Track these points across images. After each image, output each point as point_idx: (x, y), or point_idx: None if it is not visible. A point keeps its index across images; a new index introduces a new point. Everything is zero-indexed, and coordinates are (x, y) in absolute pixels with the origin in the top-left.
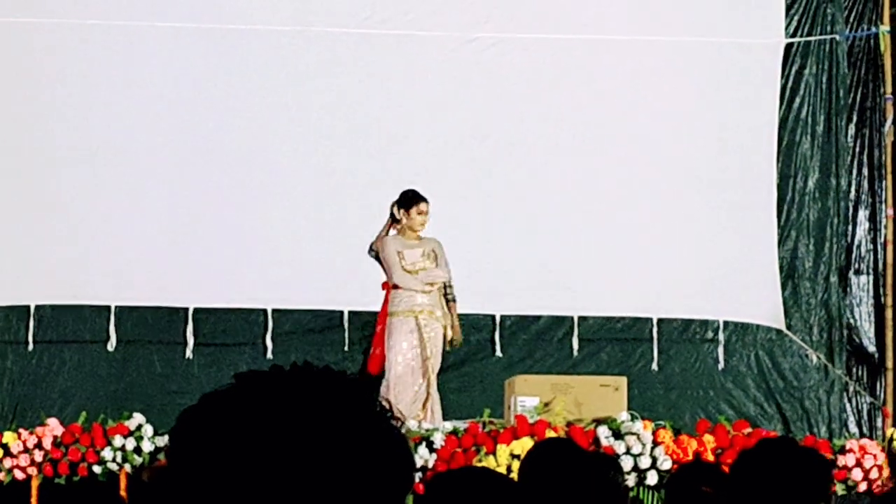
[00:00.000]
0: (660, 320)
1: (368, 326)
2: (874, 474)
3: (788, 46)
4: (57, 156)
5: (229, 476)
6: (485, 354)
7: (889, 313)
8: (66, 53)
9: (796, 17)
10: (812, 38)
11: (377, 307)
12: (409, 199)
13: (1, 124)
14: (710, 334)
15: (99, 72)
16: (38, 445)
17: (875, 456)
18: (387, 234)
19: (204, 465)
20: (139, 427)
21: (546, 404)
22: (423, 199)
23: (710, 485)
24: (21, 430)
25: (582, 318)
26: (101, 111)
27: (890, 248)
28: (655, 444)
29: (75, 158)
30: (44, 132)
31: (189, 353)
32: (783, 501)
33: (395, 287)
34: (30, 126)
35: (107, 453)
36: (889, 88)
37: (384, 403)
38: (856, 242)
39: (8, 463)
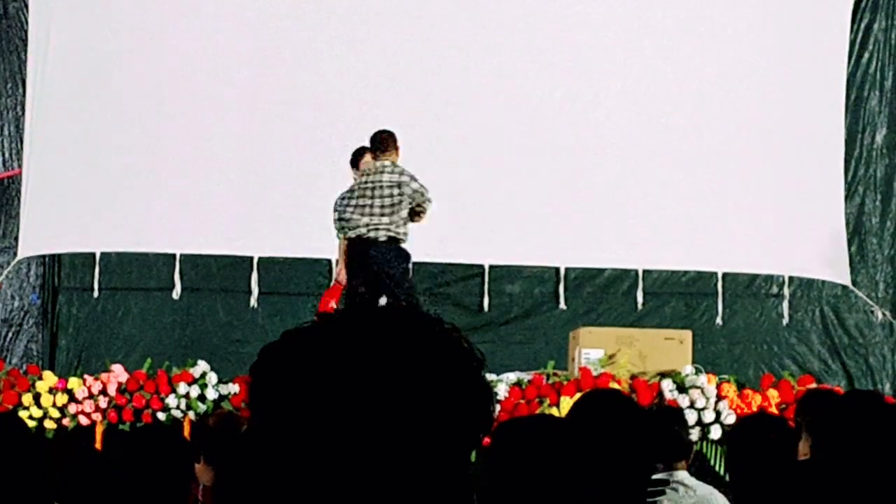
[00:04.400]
0: (725, 275)
1: (432, 277)
2: None
3: (857, 1)
4: (123, 104)
5: (306, 412)
6: (549, 307)
7: None
8: (135, 4)
9: None
10: None
11: (442, 258)
12: None
13: (70, 73)
14: (774, 289)
15: (166, 22)
16: (103, 392)
17: None
18: None
19: (282, 401)
20: (203, 375)
21: (610, 357)
22: None
23: (774, 435)
24: (86, 377)
25: (647, 272)
26: (168, 60)
27: None
28: (719, 398)
29: (142, 106)
30: (111, 81)
31: (254, 302)
32: (867, 454)
33: None
34: (98, 75)
35: (171, 400)
36: None
37: (466, 344)
38: None
39: (73, 408)
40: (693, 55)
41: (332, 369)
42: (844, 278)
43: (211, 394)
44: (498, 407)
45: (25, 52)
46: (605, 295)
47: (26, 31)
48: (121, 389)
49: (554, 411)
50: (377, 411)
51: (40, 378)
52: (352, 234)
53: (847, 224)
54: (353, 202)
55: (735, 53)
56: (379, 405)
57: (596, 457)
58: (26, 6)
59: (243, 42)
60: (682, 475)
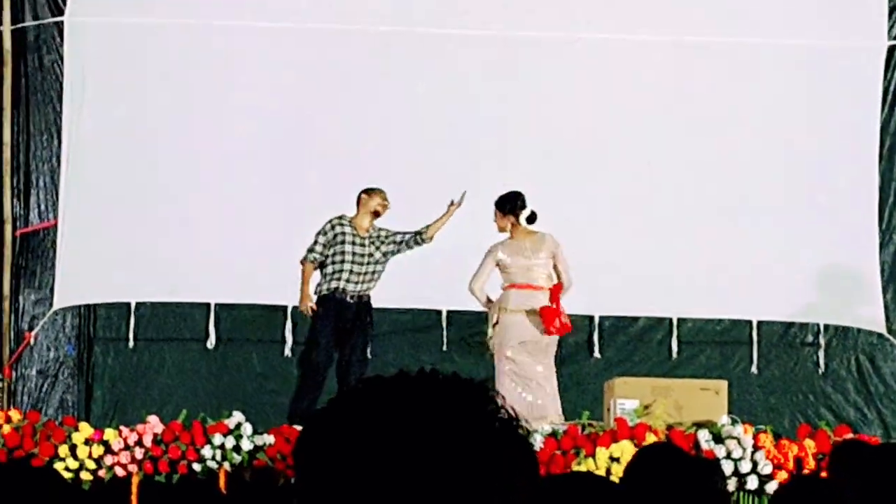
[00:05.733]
0: (760, 323)
1: (468, 326)
2: None
3: (891, 49)
4: (157, 154)
5: (353, 481)
6: (583, 356)
7: None
8: (169, 53)
9: None
10: None
11: (476, 307)
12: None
13: (104, 123)
14: (810, 338)
15: (200, 71)
16: (139, 443)
17: None
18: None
19: (329, 470)
20: (238, 426)
21: (646, 407)
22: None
23: (821, 501)
24: (122, 428)
25: (681, 320)
26: (203, 110)
27: None
28: (756, 448)
29: (175, 156)
30: (146, 131)
31: (288, 352)
32: None
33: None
34: (132, 125)
35: (206, 451)
36: None
37: (510, 410)
38: None
39: (109, 460)
40: (724, 103)
41: (375, 438)
42: (880, 326)
43: (246, 445)
44: None
45: (61, 104)
46: (640, 344)
47: (61, 84)
48: (156, 440)
49: (589, 462)
50: (420, 478)
51: (76, 429)
52: None
53: (882, 271)
54: None
55: (768, 102)
56: (422, 472)
57: None
58: (61, 58)
59: (276, 93)
60: None
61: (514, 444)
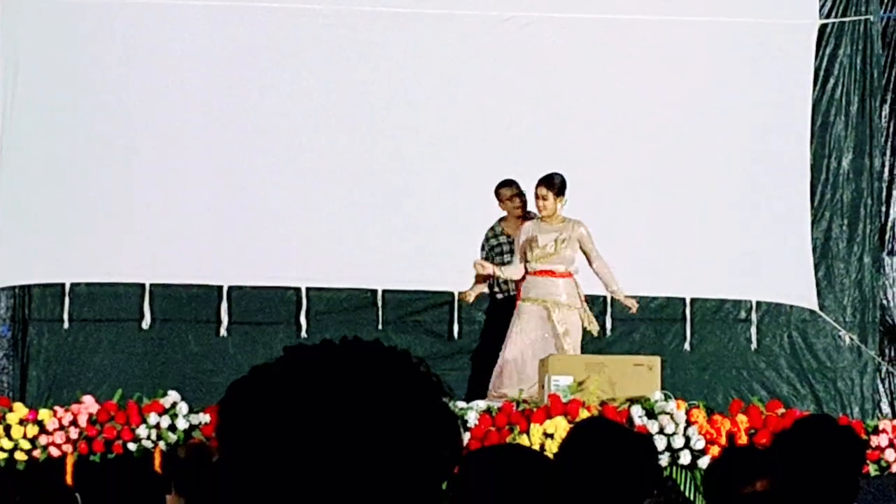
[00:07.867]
0: (693, 300)
1: (403, 306)
2: None
3: (822, 27)
4: (91, 133)
5: (276, 448)
6: None
7: None
8: (104, 30)
9: None
10: (846, 19)
11: (412, 286)
12: None
13: (40, 104)
14: (743, 314)
15: (134, 50)
16: (74, 423)
17: None
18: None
19: (251, 437)
20: (174, 405)
21: (580, 383)
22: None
23: (763, 475)
24: (57, 408)
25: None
26: (137, 89)
27: None
28: (689, 423)
29: (110, 136)
30: (79, 110)
31: (223, 332)
32: (818, 479)
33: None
34: (68, 102)
35: (142, 431)
36: None
37: (433, 378)
38: (889, 223)
39: (44, 440)
40: (656, 81)
41: (298, 404)
42: (812, 303)
43: (182, 424)
44: (468, 435)
45: None
46: None
47: None
48: (91, 420)
49: (524, 439)
50: (344, 445)
51: (10, 410)
52: None
53: (814, 249)
54: None
55: (702, 80)
56: (345, 439)
57: (573, 490)
58: None
59: (213, 71)
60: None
61: (435, 411)
